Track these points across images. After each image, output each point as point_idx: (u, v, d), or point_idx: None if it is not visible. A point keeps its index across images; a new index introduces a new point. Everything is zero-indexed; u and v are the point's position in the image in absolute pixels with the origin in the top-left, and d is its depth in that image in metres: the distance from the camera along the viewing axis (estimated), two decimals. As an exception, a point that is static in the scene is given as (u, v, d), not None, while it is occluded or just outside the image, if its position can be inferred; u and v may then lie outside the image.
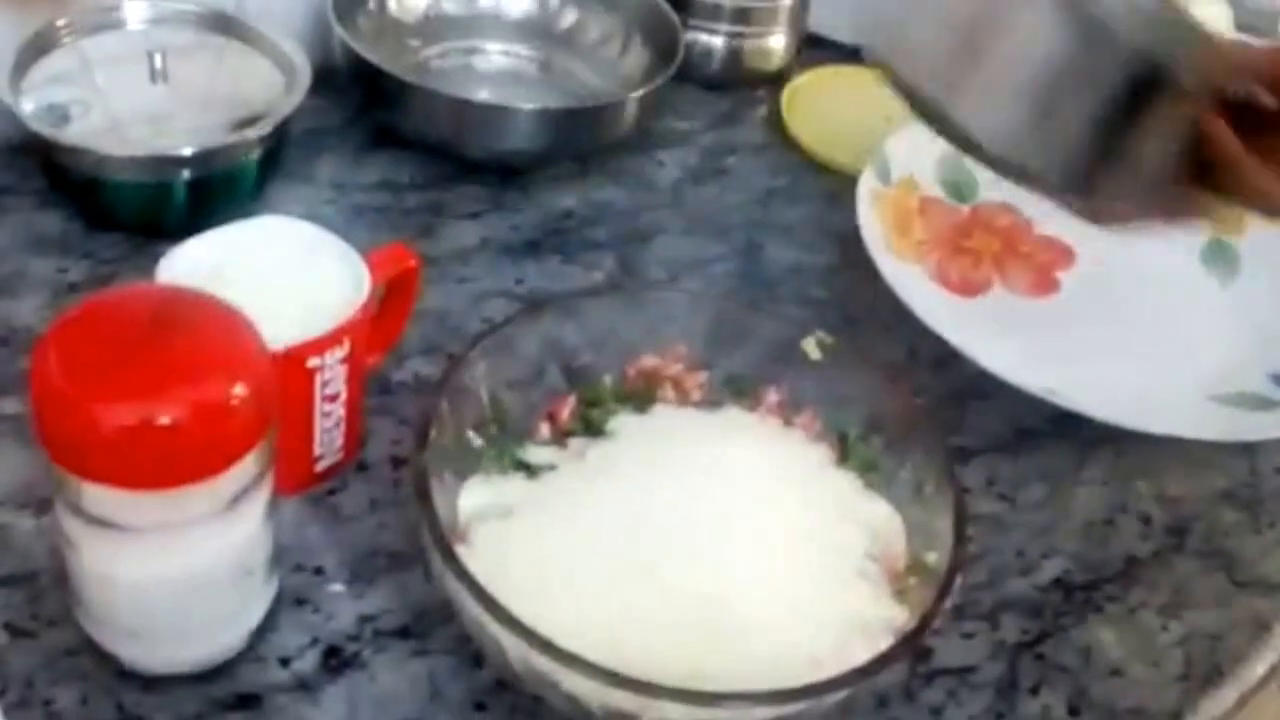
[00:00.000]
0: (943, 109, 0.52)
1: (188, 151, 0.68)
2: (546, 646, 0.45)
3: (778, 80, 0.96)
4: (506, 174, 0.81)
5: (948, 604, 0.50)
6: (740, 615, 0.50)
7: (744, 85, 0.96)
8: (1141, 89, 0.50)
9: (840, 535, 0.54)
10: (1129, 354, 0.76)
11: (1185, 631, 0.63)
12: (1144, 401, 0.70)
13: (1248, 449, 0.73)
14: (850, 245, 0.77)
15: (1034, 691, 0.58)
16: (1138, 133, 0.51)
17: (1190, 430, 0.68)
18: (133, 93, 0.74)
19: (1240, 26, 0.93)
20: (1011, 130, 0.51)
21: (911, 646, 0.49)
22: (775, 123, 0.92)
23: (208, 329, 0.45)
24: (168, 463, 0.43)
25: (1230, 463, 0.72)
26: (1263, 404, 0.72)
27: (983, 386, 0.70)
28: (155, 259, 0.56)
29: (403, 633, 0.55)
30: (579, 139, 0.82)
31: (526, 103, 0.79)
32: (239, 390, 0.44)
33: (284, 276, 0.56)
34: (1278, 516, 0.70)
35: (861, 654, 0.48)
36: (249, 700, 0.52)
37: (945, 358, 0.70)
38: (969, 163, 0.84)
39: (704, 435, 0.56)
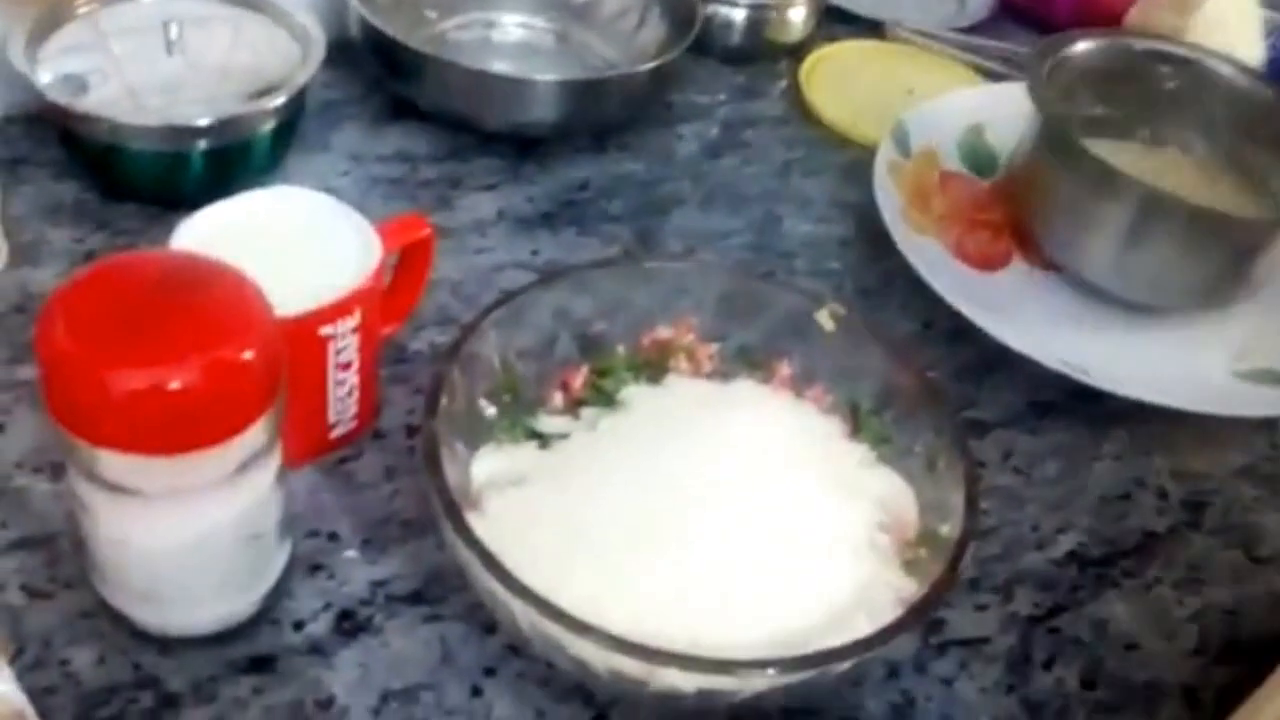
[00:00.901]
0: None
1: (204, 121, 0.68)
2: (556, 613, 0.45)
3: (798, 53, 0.96)
4: (523, 146, 0.82)
5: (959, 575, 0.50)
6: (749, 585, 0.50)
7: (764, 58, 0.96)
8: None
9: (851, 506, 0.54)
10: (1148, 329, 0.76)
11: (1201, 606, 0.63)
12: (1162, 376, 0.70)
13: (1267, 424, 0.73)
14: (868, 218, 0.78)
15: (1047, 665, 0.59)
16: None
17: (1209, 405, 0.69)
18: (149, 63, 0.75)
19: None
20: None
21: (921, 617, 0.49)
22: (795, 96, 0.93)
23: (215, 294, 0.46)
24: (177, 427, 0.44)
25: (1250, 438, 0.72)
26: (1284, 380, 0.73)
27: (1000, 360, 0.70)
28: (171, 228, 0.56)
29: (415, 598, 0.56)
30: (596, 111, 0.82)
31: (544, 74, 0.80)
32: (248, 355, 0.44)
33: (297, 246, 0.57)
34: (1298, 493, 0.70)
35: (870, 625, 0.49)
36: (263, 662, 0.53)
37: (962, 331, 0.71)
38: (989, 136, 0.85)
39: (716, 406, 0.57)
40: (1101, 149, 0.72)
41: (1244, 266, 0.72)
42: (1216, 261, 0.72)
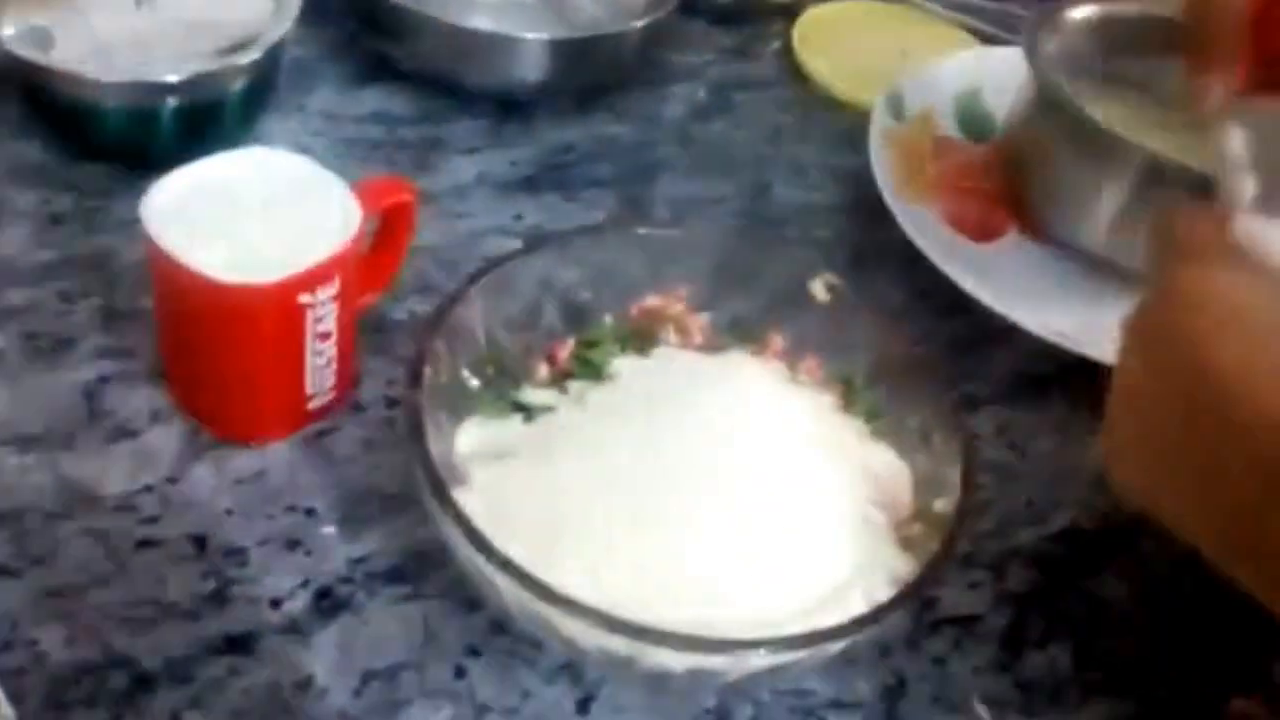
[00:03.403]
0: None
1: (174, 79, 0.68)
2: (543, 591, 0.45)
3: (790, 13, 0.95)
4: (506, 107, 0.81)
5: (955, 553, 0.51)
6: (741, 563, 0.50)
7: (756, 18, 0.96)
8: None
9: (844, 482, 0.54)
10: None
11: (1195, 584, 0.63)
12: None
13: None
14: (862, 185, 0.78)
15: (1040, 644, 0.59)
16: None
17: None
18: (117, 17, 0.73)
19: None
20: None
21: (916, 596, 0.49)
22: (787, 57, 0.92)
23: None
24: None
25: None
26: None
27: (995, 332, 0.70)
28: (141, 190, 0.56)
29: (395, 575, 0.56)
30: (582, 71, 0.81)
31: (528, 32, 0.79)
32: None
33: (272, 210, 0.56)
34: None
35: (864, 602, 0.49)
36: (239, 641, 0.53)
37: (957, 302, 0.71)
38: (986, 101, 0.85)
39: (706, 380, 0.57)
40: (1100, 114, 0.72)
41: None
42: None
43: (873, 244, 0.77)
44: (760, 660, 0.46)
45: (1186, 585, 0.63)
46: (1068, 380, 0.71)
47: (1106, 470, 0.47)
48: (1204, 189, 0.70)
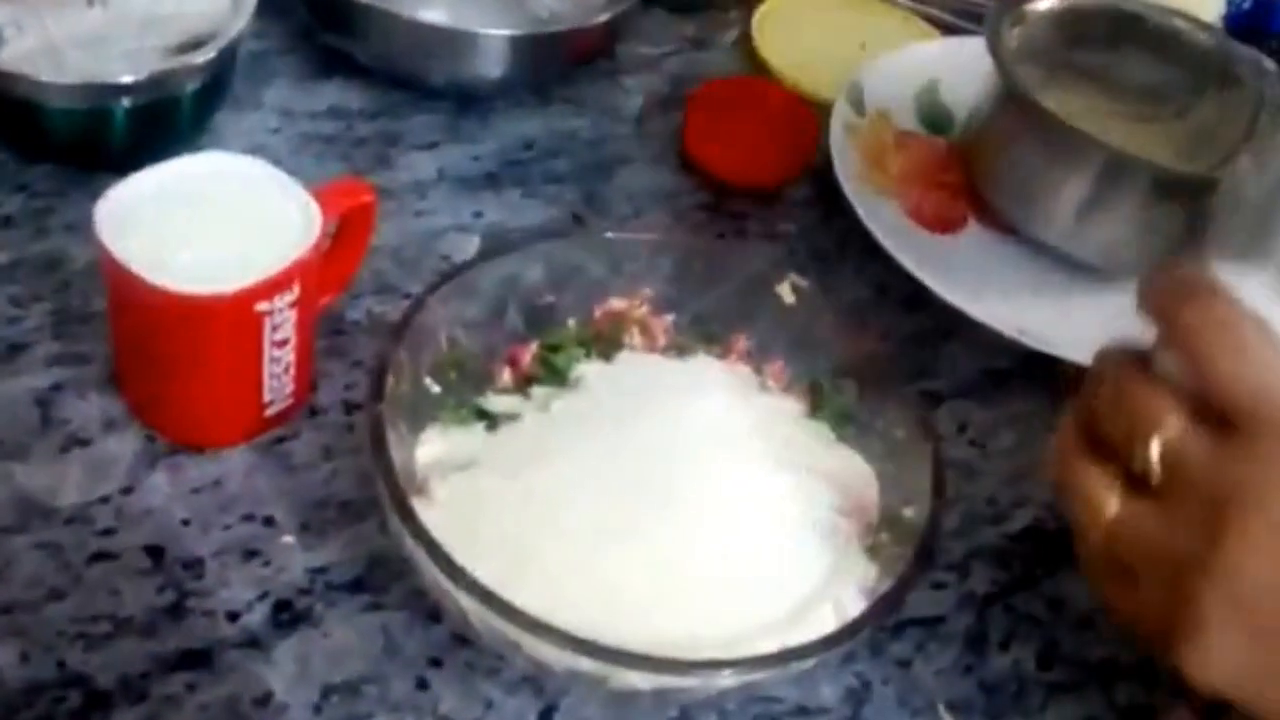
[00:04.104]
0: None
1: (127, 78, 0.65)
2: (508, 610, 0.44)
3: (749, 3, 0.93)
4: (465, 101, 0.79)
5: (926, 567, 0.49)
6: (708, 575, 0.49)
7: (714, 8, 0.94)
8: None
9: (811, 491, 0.53)
10: (1106, 293, 0.75)
11: (1157, 582, 0.62)
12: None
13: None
14: (823, 178, 0.76)
15: (1004, 645, 0.58)
16: None
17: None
18: (70, 15, 0.71)
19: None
20: None
21: (887, 611, 0.48)
22: (746, 48, 0.90)
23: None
24: None
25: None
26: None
27: (955, 326, 0.69)
28: (94, 192, 0.54)
29: (356, 585, 0.54)
30: (542, 65, 0.79)
31: (486, 26, 0.76)
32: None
33: (229, 216, 0.54)
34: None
35: (833, 615, 0.48)
36: (196, 657, 0.51)
37: (918, 296, 0.70)
38: (944, 93, 0.84)
39: (671, 387, 0.55)
40: (1061, 108, 0.71)
41: (1204, 230, 0.71)
42: (1177, 225, 0.71)
43: (834, 238, 0.76)
44: (729, 680, 0.45)
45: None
46: (1028, 375, 0.70)
47: (1178, 665, 0.40)
48: (1164, 183, 0.70)
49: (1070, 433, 0.43)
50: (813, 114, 0.80)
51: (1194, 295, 0.40)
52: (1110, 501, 0.41)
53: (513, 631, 0.44)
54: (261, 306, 0.52)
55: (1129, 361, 0.43)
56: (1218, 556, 0.38)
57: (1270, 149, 0.45)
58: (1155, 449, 0.40)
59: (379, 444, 0.48)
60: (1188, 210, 0.71)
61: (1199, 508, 0.39)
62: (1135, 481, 0.41)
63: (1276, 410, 0.38)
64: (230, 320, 0.52)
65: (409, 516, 0.46)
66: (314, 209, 0.55)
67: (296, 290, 0.53)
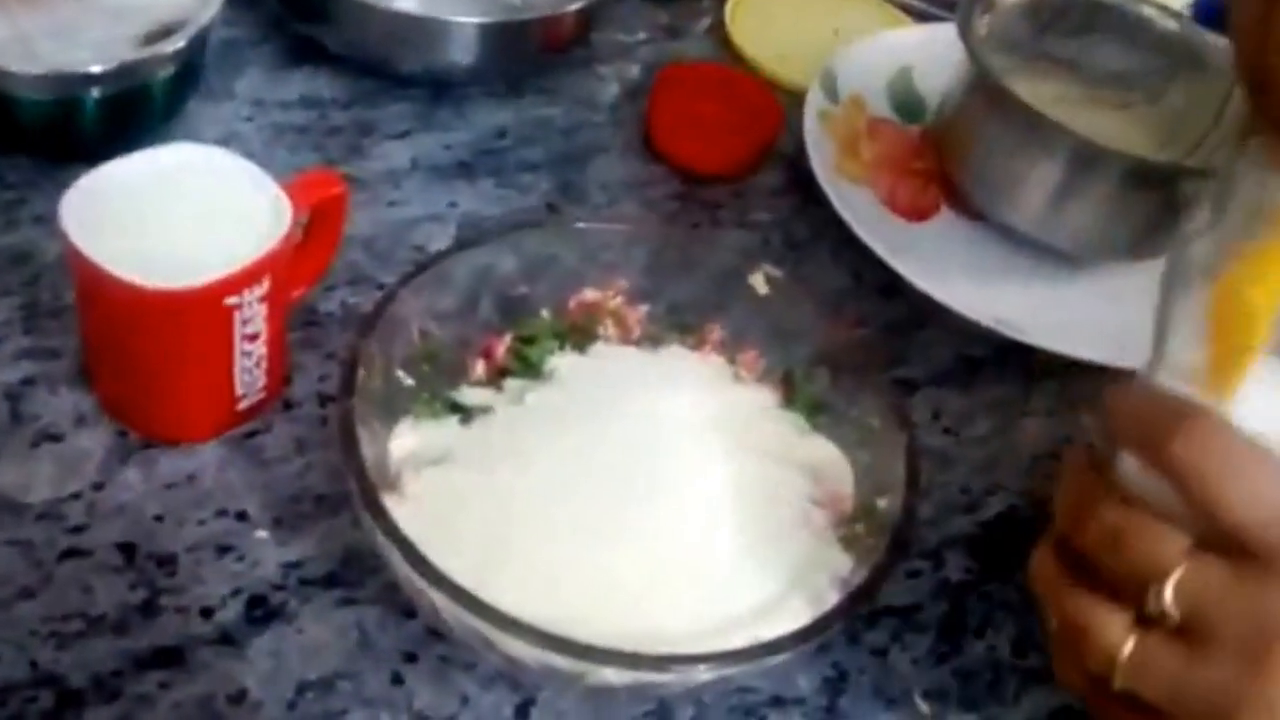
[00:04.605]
0: None
1: (97, 69, 0.63)
2: (480, 607, 0.43)
3: (722, -11, 0.92)
4: (438, 90, 0.78)
5: (900, 558, 0.49)
6: (682, 568, 0.48)
7: (687, -5, 0.92)
8: None
9: (784, 482, 0.52)
10: (1077, 281, 0.74)
11: (1130, 568, 0.62)
12: (1091, 330, 0.69)
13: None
14: (797, 167, 0.75)
15: (979, 633, 0.58)
16: None
17: (1139, 360, 0.67)
18: (38, 4, 0.69)
19: None
20: None
21: (861, 603, 0.47)
22: (720, 36, 0.89)
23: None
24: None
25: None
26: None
27: (929, 314, 0.68)
28: (65, 183, 0.52)
29: (330, 580, 0.53)
30: (515, 54, 0.78)
31: (458, 14, 0.75)
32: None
33: (198, 208, 0.53)
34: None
35: (807, 607, 0.47)
36: (169, 655, 0.50)
37: (891, 284, 0.69)
38: (917, 81, 0.83)
39: (645, 379, 0.54)
40: (1032, 96, 0.70)
41: (1173, 218, 0.71)
42: (1148, 212, 0.71)
43: (809, 226, 0.75)
44: (704, 675, 0.44)
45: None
46: (1002, 362, 0.70)
47: None
48: (1134, 170, 0.69)
49: (1054, 557, 0.41)
50: (776, 101, 0.79)
51: (1181, 426, 0.38)
52: (1125, 640, 0.39)
53: (485, 628, 0.43)
54: (231, 300, 0.51)
55: (1104, 489, 0.40)
56: (1261, 689, 0.36)
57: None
58: (1170, 590, 0.38)
59: (349, 440, 0.47)
60: (1158, 197, 0.70)
61: (1233, 642, 0.37)
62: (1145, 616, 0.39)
63: None
64: (199, 315, 0.51)
65: (380, 513, 0.45)
66: (284, 201, 0.53)
67: (267, 284, 0.52)
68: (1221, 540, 0.37)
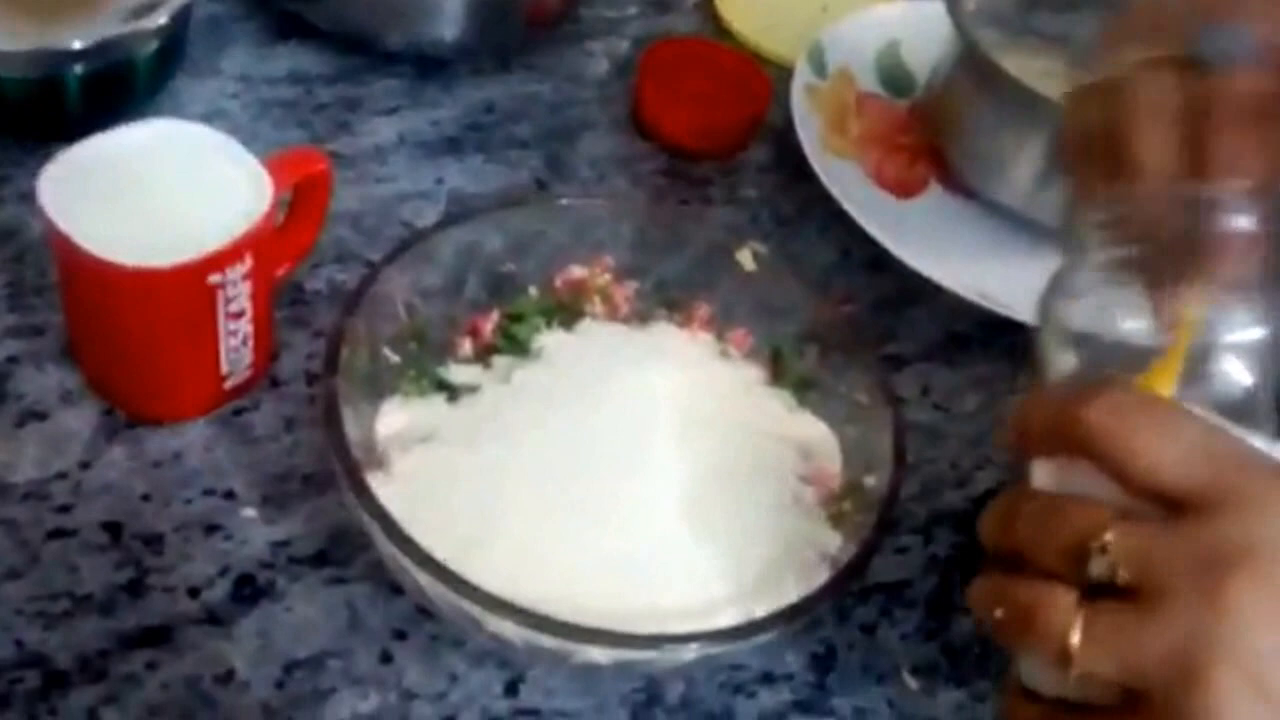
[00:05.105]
0: None
1: (79, 45, 0.62)
2: (465, 588, 0.42)
3: (710, -36, 0.91)
4: (425, 65, 0.76)
5: (886, 536, 0.48)
6: (670, 545, 0.47)
7: (675, -31, 0.91)
8: None
9: (773, 459, 0.51)
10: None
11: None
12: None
13: (1182, 353, 0.71)
14: (785, 142, 0.74)
15: (967, 608, 0.57)
16: None
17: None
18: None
19: None
20: None
21: (849, 580, 0.47)
22: (708, 10, 0.88)
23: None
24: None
25: (1164, 367, 0.71)
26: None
27: (918, 290, 0.67)
28: (48, 161, 0.51)
29: (318, 559, 0.53)
30: (502, 29, 0.76)
31: (446, -11, 0.74)
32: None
33: (179, 185, 0.52)
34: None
35: (796, 585, 0.46)
36: (157, 634, 0.49)
37: (880, 260, 0.68)
38: (905, 55, 0.82)
39: (633, 357, 0.53)
40: (1021, 70, 0.69)
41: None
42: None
43: (797, 202, 0.74)
44: (692, 654, 0.43)
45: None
46: (989, 337, 0.69)
47: None
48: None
49: (989, 574, 0.40)
50: (765, 75, 0.78)
51: (1090, 395, 0.37)
52: (1074, 617, 0.37)
53: (471, 608, 0.42)
54: (214, 279, 0.50)
55: (1030, 492, 0.40)
56: (1224, 625, 0.35)
57: None
58: (1110, 548, 0.36)
59: (333, 419, 0.46)
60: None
61: (1183, 587, 0.35)
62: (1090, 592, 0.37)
63: (1224, 474, 0.36)
64: (181, 293, 0.50)
65: (365, 493, 0.44)
66: (265, 179, 0.52)
67: (249, 262, 0.51)
68: (1144, 507, 0.37)
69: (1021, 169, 0.71)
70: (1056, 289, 0.44)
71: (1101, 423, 0.37)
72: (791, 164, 0.74)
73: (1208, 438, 0.36)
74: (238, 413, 0.57)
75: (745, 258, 0.57)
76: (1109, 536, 0.36)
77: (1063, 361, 0.43)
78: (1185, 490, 0.36)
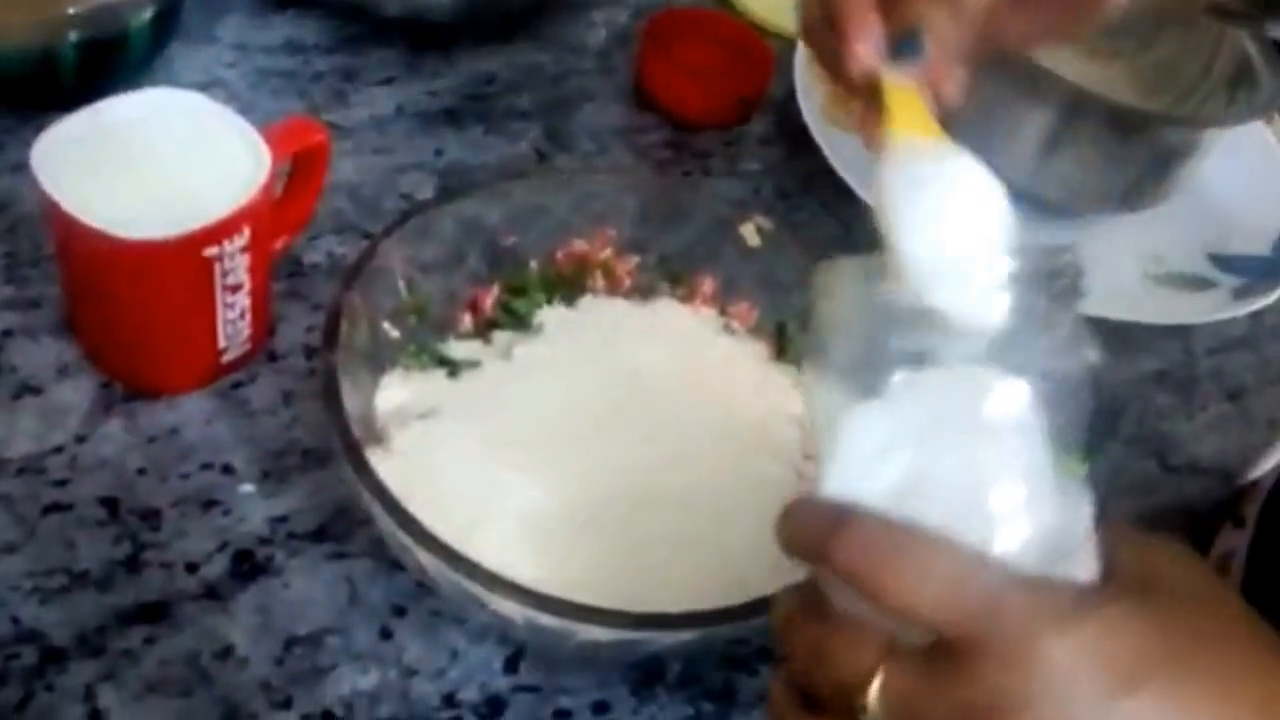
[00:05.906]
0: None
1: (73, 10, 0.60)
2: (466, 566, 0.41)
3: (712, -66, 0.89)
4: (424, 35, 0.75)
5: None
6: (674, 523, 0.46)
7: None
8: None
9: (777, 436, 0.50)
10: (1063, 231, 0.72)
11: (1114, 518, 0.60)
12: (1081, 281, 0.67)
13: (1181, 330, 0.70)
14: (788, 114, 0.73)
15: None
16: None
17: (1124, 312, 0.66)
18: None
19: None
20: None
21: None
22: (710, -20, 0.86)
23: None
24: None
25: (1163, 345, 0.70)
26: (1200, 284, 0.70)
27: (920, 266, 0.66)
28: (43, 131, 0.50)
29: (317, 534, 0.52)
30: (503, -2, 0.75)
31: (444, -42, 0.72)
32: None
33: (175, 156, 0.50)
34: (1210, 399, 0.68)
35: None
36: (154, 610, 0.48)
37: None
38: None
39: (635, 332, 0.52)
40: (1024, 44, 0.67)
41: (1163, 168, 0.69)
42: (1138, 162, 0.69)
43: (800, 174, 0.73)
44: (691, 633, 0.42)
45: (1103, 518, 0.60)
46: (991, 313, 0.67)
47: None
48: (1124, 119, 0.67)
49: (783, 694, 0.38)
50: (767, 46, 0.76)
51: (836, 532, 0.35)
52: None
53: (470, 585, 0.41)
54: (210, 251, 0.49)
55: (808, 609, 0.37)
56: None
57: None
58: (874, 697, 0.35)
59: (332, 394, 0.45)
60: (1148, 146, 0.68)
61: None
62: None
63: (976, 619, 0.33)
64: (177, 266, 0.49)
65: (364, 469, 0.43)
66: (263, 149, 0.51)
67: (247, 234, 0.50)
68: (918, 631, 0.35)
69: (1024, 142, 0.69)
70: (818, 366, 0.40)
71: (850, 562, 0.34)
72: (794, 136, 0.72)
73: (959, 575, 0.34)
74: (235, 386, 0.55)
75: (749, 232, 0.55)
76: (875, 684, 0.34)
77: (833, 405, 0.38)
78: (942, 628, 0.34)
